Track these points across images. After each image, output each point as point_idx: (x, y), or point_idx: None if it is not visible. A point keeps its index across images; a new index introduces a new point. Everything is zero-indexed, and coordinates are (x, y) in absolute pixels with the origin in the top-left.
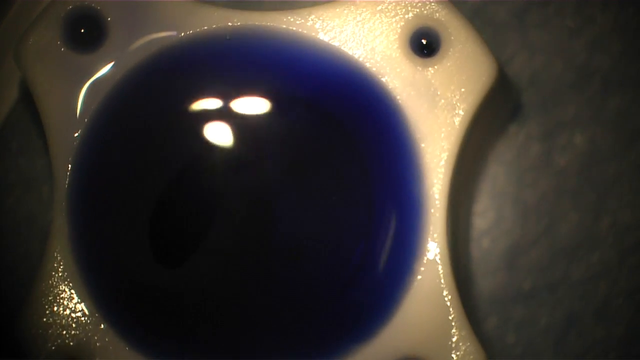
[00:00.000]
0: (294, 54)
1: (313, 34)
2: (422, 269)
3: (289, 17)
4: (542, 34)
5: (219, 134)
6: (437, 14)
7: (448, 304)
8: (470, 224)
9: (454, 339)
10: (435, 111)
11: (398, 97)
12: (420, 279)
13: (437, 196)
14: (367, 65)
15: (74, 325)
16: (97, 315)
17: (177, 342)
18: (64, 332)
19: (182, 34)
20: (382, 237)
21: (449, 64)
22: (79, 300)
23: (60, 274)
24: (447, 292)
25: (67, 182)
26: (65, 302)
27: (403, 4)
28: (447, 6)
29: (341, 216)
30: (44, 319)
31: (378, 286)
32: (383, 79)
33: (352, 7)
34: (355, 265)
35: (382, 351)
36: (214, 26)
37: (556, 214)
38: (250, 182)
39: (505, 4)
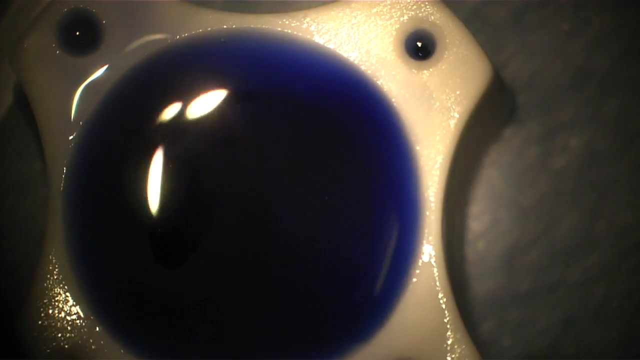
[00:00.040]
0: (289, 57)
1: (308, 36)
2: (418, 271)
3: (284, 20)
4: (540, 35)
5: (216, 136)
6: (432, 17)
7: (443, 306)
8: (466, 226)
9: (449, 342)
10: (431, 114)
11: (393, 100)
12: (415, 281)
13: (432, 199)
14: (363, 67)
15: (69, 327)
16: (92, 317)
17: (174, 344)
18: (60, 334)
19: (178, 37)
20: (378, 239)
21: (444, 67)
22: (75, 302)
23: (55, 277)
24: (442, 295)
25: (62, 185)
26: (61, 305)
27: (398, 7)
28: (442, 9)
29: (339, 218)
30: (40, 322)
31: (374, 288)
32: (378, 82)
33: (347, 9)
34: (353, 265)
35: (377, 353)
36: (209, 29)
37: (553, 216)
38: (249, 183)
39: (503, 5)
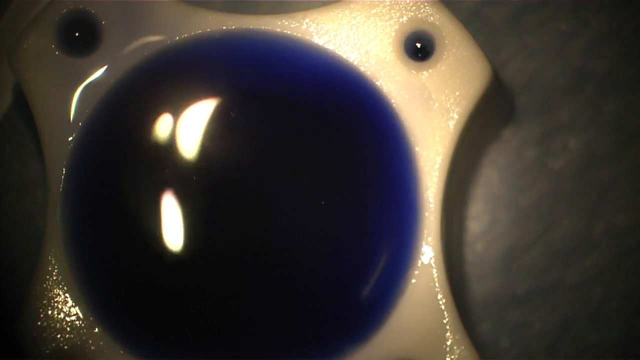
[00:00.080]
0: (288, 58)
1: (307, 37)
2: (417, 272)
3: (284, 21)
4: (539, 36)
5: (214, 137)
6: (432, 18)
7: (442, 307)
8: (464, 227)
9: (448, 343)
10: (430, 115)
11: (392, 101)
12: (414, 282)
13: (431, 200)
14: (362, 68)
15: (68, 328)
16: (91, 318)
17: (173, 344)
18: (59, 335)
19: (177, 38)
20: (377, 240)
21: (443, 68)
22: (74, 303)
23: (54, 278)
24: (441, 296)
25: (61, 185)
26: (60, 306)
27: (397, 8)
28: (441, 10)
29: (338, 218)
30: (39, 323)
31: (373, 288)
32: (378, 83)
33: (347, 10)
34: (353, 266)
35: (376, 353)
36: (209, 30)
37: (551, 218)
38: (249, 183)
39: (502, 6)
